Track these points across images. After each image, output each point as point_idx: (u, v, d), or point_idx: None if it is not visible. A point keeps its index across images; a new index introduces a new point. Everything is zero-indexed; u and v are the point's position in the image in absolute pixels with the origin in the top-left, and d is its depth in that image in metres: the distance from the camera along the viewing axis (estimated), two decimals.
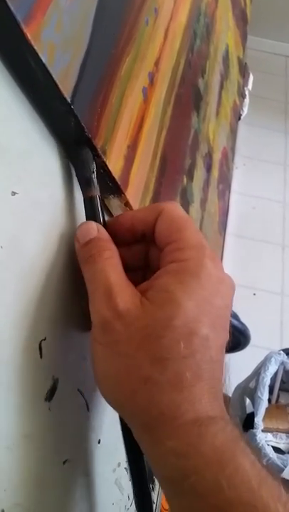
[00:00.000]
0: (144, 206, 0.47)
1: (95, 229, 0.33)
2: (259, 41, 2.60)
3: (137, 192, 0.45)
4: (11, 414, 0.30)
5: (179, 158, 0.59)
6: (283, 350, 1.22)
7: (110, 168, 0.40)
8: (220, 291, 0.30)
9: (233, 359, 1.47)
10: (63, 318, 0.37)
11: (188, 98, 0.65)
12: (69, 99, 0.34)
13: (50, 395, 0.35)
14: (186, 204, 0.61)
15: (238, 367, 1.37)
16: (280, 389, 1.32)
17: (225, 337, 0.31)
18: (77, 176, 0.37)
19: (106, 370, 0.31)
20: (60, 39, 0.34)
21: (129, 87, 0.45)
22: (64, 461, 0.36)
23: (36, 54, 0.32)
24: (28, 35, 0.31)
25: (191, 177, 0.63)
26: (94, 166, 0.36)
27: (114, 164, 0.40)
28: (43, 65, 0.32)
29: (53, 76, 0.33)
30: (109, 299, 0.30)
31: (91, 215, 0.35)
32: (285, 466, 1.08)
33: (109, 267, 0.31)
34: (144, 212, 0.35)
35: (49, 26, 0.32)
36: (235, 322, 1.33)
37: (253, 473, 0.26)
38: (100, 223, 0.34)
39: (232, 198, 1.73)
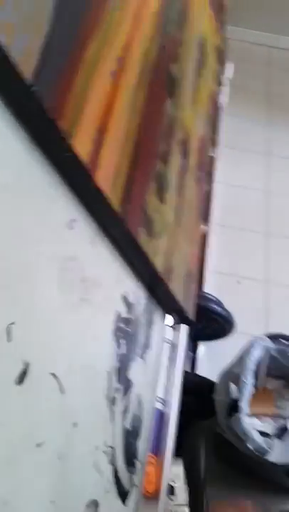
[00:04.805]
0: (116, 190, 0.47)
1: None
2: (241, 31, 2.60)
3: (107, 175, 0.45)
4: None
5: (153, 144, 0.59)
6: (268, 336, 1.23)
7: (78, 150, 0.40)
8: None
9: (219, 346, 1.48)
10: (34, 301, 0.37)
11: (161, 84, 0.65)
12: (30, 81, 0.34)
13: (21, 378, 0.35)
14: (161, 190, 0.61)
15: (224, 354, 1.38)
16: (267, 375, 1.32)
17: None
18: None
19: None
20: (18, 18, 0.34)
21: (96, 70, 0.44)
22: (38, 444, 0.36)
23: None
24: None
25: (166, 163, 0.63)
26: None
27: (82, 147, 0.40)
28: (0, 46, 0.32)
29: (13, 57, 0.32)
30: None
31: None
32: (271, 449, 1.10)
33: None
34: None
35: (5, 5, 0.32)
36: (219, 310, 1.34)
37: None
38: None
39: (214, 188, 1.74)
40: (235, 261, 1.77)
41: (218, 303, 1.34)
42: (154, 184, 0.59)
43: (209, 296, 1.35)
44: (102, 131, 0.45)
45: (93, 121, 0.44)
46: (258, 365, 1.24)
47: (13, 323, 0.34)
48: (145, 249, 0.54)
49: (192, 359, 1.44)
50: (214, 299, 1.34)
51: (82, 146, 0.41)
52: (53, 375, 0.39)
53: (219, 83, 0.97)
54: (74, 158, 0.40)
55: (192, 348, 1.39)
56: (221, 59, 1.05)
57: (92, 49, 0.44)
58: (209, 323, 1.33)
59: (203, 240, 1.52)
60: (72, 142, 0.39)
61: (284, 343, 1.25)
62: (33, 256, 0.38)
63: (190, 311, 0.70)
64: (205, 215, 1.44)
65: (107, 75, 0.48)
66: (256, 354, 1.19)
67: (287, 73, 2.53)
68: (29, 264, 0.37)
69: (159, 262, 0.58)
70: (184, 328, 0.69)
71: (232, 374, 1.20)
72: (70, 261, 0.43)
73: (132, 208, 0.51)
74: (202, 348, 1.51)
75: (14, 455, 0.33)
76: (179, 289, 0.66)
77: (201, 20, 0.96)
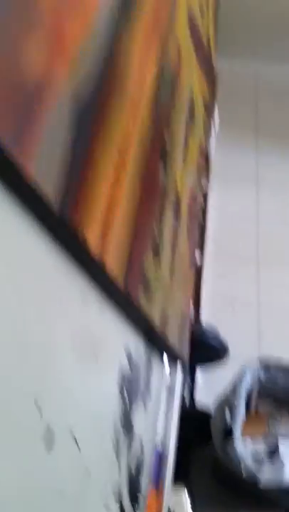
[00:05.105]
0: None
1: None
2: (227, 60, 2.70)
3: (113, 255, 0.53)
4: (13, 462, 0.38)
5: (150, 213, 0.68)
6: (258, 363, 1.31)
7: (89, 242, 0.48)
8: None
9: (216, 371, 1.56)
10: (54, 371, 0.45)
11: (156, 156, 0.74)
12: (57, 209, 0.42)
13: (49, 445, 0.42)
14: (156, 252, 0.69)
15: (221, 378, 1.46)
16: (259, 395, 1.41)
17: None
18: None
19: None
20: (41, 148, 0.42)
21: (103, 169, 0.53)
22: (59, 493, 0.44)
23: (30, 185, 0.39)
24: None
25: (160, 226, 0.72)
26: None
27: (93, 237, 0.48)
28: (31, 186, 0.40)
29: (39, 186, 0.40)
30: None
31: None
32: (262, 471, 1.17)
33: None
34: None
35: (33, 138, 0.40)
36: (215, 339, 1.42)
37: None
38: None
39: (208, 218, 1.85)
40: (229, 287, 1.87)
41: (214, 332, 1.42)
42: (151, 248, 0.68)
43: (205, 326, 1.43)
44: (107, 217, 0.54)
45: (101, 211, 0.52)
46: (250, 391, 1.33)
47: (39, 396, 0.42)
48: (144, 308, 0.63)
49: (191, 387, 1.52)
50: (210, 328, 1.43)
51: (92, 236, 0.49)
52: (72, 434, 0.46)
53: (208, 133, 1.06)
54: (86, 249, 0.48)
55: (190, 375, 1.47)
56: (209, 110, 1.15)
57: (100, 151, 0.53)
58: (205, 351, 1.41)
59: (199, 267, 1.62)
60: (85, 236, 0.47)
61: (272, 370, 1.34)
62: (53, 331, 0.46)
63: (185, 354, 0.78)
64: (199, 244, 1.54)
65: (111, 168, 0.56)
66: (247, 381, 1.28)
67: (275, 100, 2.64)
68: (49, 340, 0.45)
69: (156, 316, 0.66)
70: (179, 371, 0.77)
71: (226, 401, 1.29)
72: (83, 330, 0.51)
73: (133, 274, 0.60)
74: (200, 375, 1.59)
75: (39, 506, 0.40)
76: (174, 335, 0.75)
77: (190, 78, 1.05)
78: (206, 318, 1.68)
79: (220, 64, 2.69)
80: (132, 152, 0.63)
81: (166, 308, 0.71)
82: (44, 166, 0.42)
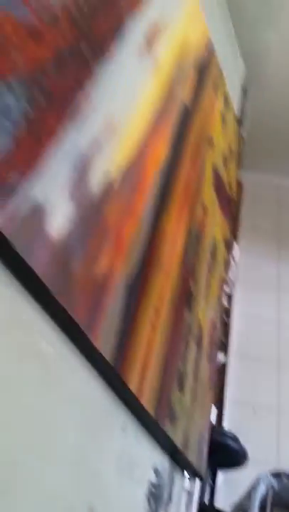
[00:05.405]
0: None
1: None
2: (252, 174, 3.02)
3: (148, 394, 0.73)
4: None
5: (176, 351, 0.88)
6: (272, 474, 1.41)
7: (131, 386, 0.68)
8: None
9: (235, 475, 1.64)
10: (102, 483, 0.63)
11: (183, 303, 0.95)
12: (113, 364, 0.63)
13: None
14: (181, 383, 0.88)
15: (239, 481, 1.54)
16: (273, 505, 1.48)
17: None
18: None
19: None
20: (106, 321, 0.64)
21: (144, 329, 0.74)
22: None
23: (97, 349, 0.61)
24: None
25: (185, 360, 0.91)
26: None
27: (133, 382, 0.68)
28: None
29: (103, 354, 0.62)
30: None
31: None
32: None
33: None
34: None
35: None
36: (235, 445, 1.54)
37: None
38: None
39: (231, 324, 2.03)
40: (250, 390, 1.99)
41: (234, 439, 1.54)
42: (177, 381, 0.87)
43: (226, 433, 1.56)
44: (145, 365, 0.74)
45: (140, 361, 0.72)
46: (264, 499, 1.41)
47: (92, 503, 0.60)
48: (170, 433, 0.80)
49: (212, 488, 1.61)
50: (230, 435, 1.55)
51: (134, 381, 0.69)
52: None
53: (228, 266, 1.27)
54: (129, 391, 0.67)
55: (211, 477, 1.57)
56: (229, 246, 1.38)
57: (142, 314, 0.74)
58: (225, 454, 1.52)
59: (222, 367, 1.77)
60: (129, 381, 0.67)
61: (285, 480, 1.43)
62: (102, 454, 0.64)
63: (203, 469, 0.93)
64: (224, 345, 1.69)
65: (149, 325, 0.77)
66: (262, 489, 1.37)
67: None
68: (99, 460, 0.64)
69: (179, 439, 0.84)
70: (197, 481, 0.92)
71: (242, 508, 1.37)
72: (123, 453, 0.69)
73: (162, 407, 0.78)
74: (221, 477, 1.68)
75: None
76: (194, 453, 0.91)
77: (213, 227, 1.28)
78: (227, 421, 1.79)
79: (245, 177, 3.03)
80: (164, 308, 0.84)
81: (188, 431, 0.88)
82: (105, 334, 0.64)
